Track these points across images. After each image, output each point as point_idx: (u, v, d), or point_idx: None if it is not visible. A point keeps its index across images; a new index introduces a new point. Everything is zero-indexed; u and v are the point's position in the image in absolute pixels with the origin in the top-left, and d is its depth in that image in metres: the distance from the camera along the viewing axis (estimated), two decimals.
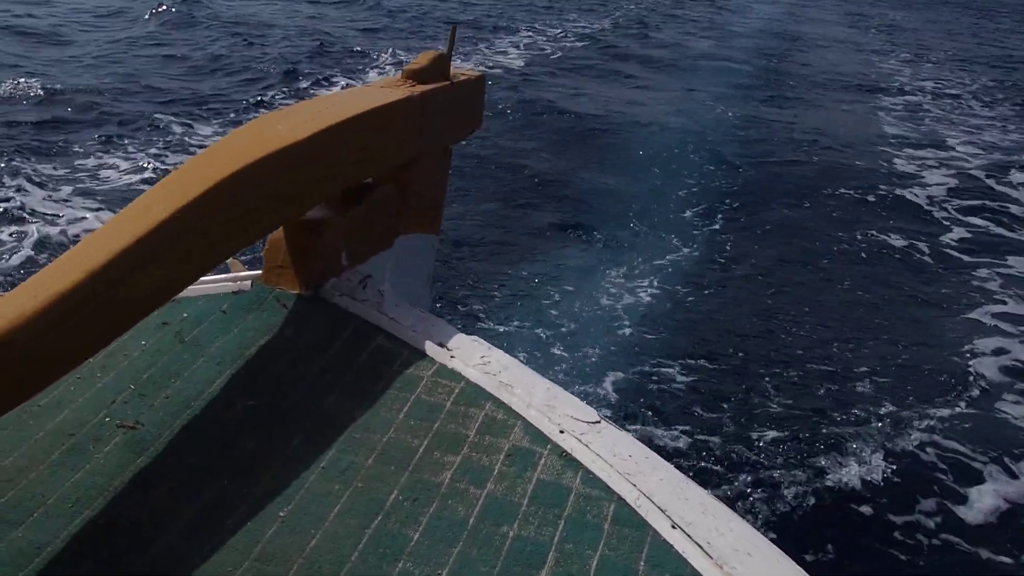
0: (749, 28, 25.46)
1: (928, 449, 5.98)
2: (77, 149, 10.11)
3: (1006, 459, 6.01)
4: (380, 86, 3.04)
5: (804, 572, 1.93)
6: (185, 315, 2.59)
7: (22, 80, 12.19)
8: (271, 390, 2.33)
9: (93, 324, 1.94)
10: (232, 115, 11.97)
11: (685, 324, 7.42)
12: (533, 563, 1.87)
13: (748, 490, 5.32)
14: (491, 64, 16.98)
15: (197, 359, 2.41)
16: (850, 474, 5.57)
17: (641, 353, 6.78)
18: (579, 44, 20.32)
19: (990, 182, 12.32)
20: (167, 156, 10.13)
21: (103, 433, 2.12)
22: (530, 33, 20.99)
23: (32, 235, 7.74)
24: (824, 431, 6.01)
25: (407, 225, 3.17)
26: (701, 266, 8.63)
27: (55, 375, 1.95)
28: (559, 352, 6.64)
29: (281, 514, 1.95)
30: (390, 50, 16.67)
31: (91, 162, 9.79)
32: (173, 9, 18.45)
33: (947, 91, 18.88)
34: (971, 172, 12.73)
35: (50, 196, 8.63)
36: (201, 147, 9.98)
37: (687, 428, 5.87)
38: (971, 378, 7.01)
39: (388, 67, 15.41)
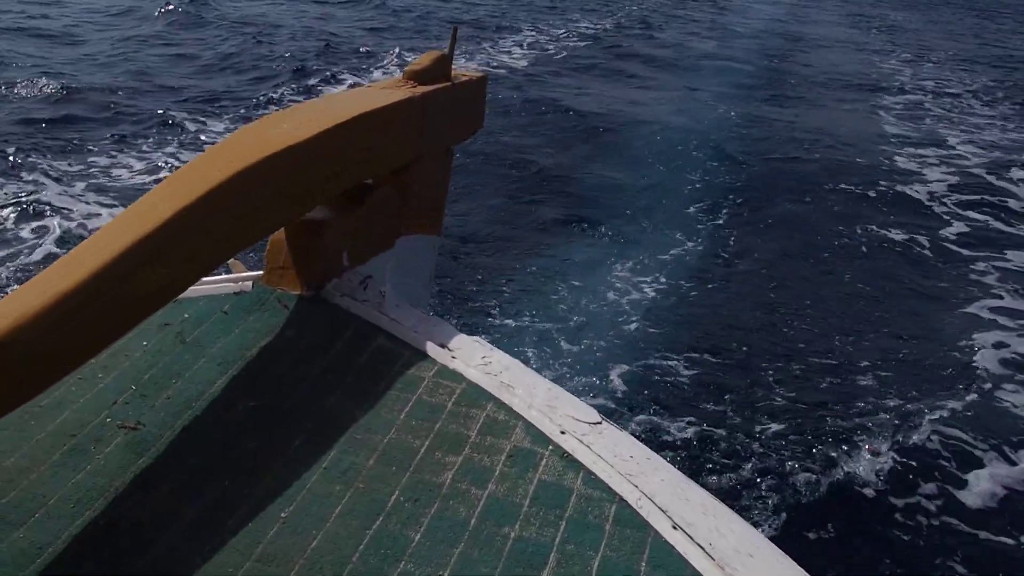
0: (751, 29, 25.41)
1: (930, 441, 5.99)
2: (92, 147, 10.15)
3: (1005, 448, 6.04)
4: (381, 87, 2.99)
5: (805, 573, 1.88)
6: (186, 316, 2.55)
7: (39, 80, 12.28)
8: (272, 391, 2.30)
9: (97, 323, 1.91)
10: (242, 111, 12.05)
11: (689, 318, 7.45)
12: (534, 564, 1.84)
13: (751, 484, 5.32)
14: (496, 64, 17.00)
15: (198, 360, 2.38)
16: (852, 469, 5.56)
17: (646, 346, 6.81)
18: (582, 44, 20.30)
19: (990, 179, 12.34)
20: (181, 153, 10.20)
21: (104, 434, 2.09)
22: (533, 33, 21.00)
23: (54, 231, 7.79)
24: (826, 425, 6.02)
25: (408, 226, 3.13)
26: (705, 260, 8.66)
27: (58, 375, 1.92)
28: (566, 346, 6.66)
29: (282, 515, 1.92)
30: (396, 50, 16.71)
31: (106, 159, 9.83)
32: (181, 9, 18.55)
33: (948, 90, 18.85)
34: (971, 170, 12.74)
35: (66, 192, 8.68)
36: (214, 143, 9.90)
37: (692, 420, 5.88)
38: (971, 370, 7.03)
39: (393, 67, 15.43)
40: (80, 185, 8.89)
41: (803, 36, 25.08)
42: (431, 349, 2.51)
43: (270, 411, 2.23)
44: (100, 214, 8.23)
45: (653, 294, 7.80)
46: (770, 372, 6.62)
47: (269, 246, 2.71)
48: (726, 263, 8.73)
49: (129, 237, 1.95)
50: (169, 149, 10.31)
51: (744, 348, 6.99)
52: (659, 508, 1.99)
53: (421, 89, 2.93)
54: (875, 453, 5.77)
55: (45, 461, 1.99)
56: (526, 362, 6.21)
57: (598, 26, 23.07)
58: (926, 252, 9.53)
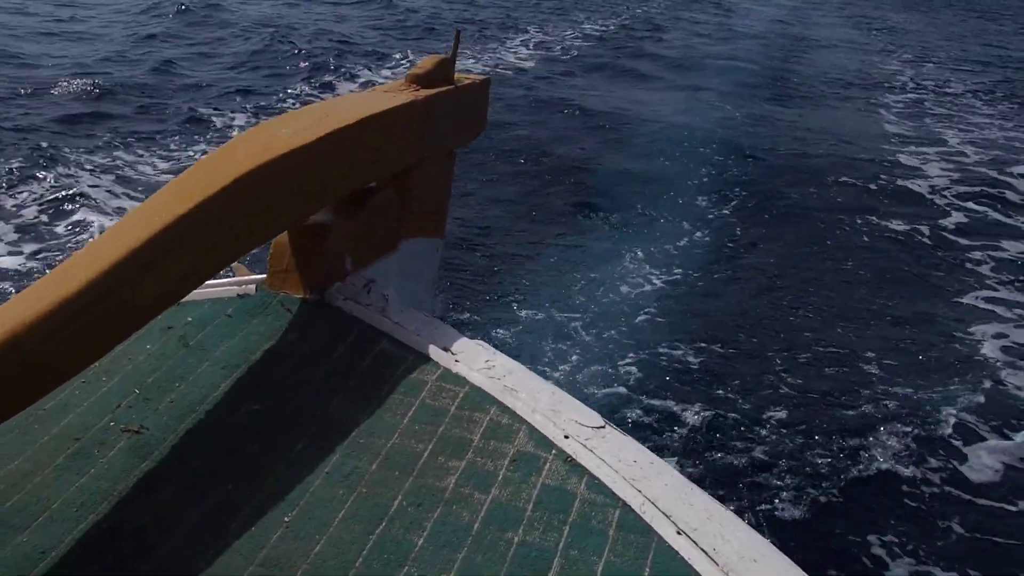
0: (755, 30, 25.31)
1: (935, 431, 6.00)
2: (120, 142, 10.24)
3: (1006, 430, 6.10)
4: (384, 90, 2.96)
5: None
6: (190, 319, 2.52)
7: (69, 78, 12.39)
8: (275, 394, 2.27)
9: (98, 328, 1.89)
10: (263, 103, 12.23)
11: (698, 307, 7.53)
12: (538, 569, 1.82)
13: (758, 475, 5.32)
14: (504, 64, 17.05)
15: (202, 363, 2.35)
16: (857, 460, 5.56)
17: (657, 336, 6.87)
18: (588, 44, 20.32)
19: (992, 174, 12.41)
20: (210, 149, 10.22)
21: (108, 437, 2.07)
22: (540, 34, 21.03)
23: (87, 226, 7.85)
24: (831, 413, 6.06)
25: (411, 229, 3.10)
26: (713, 251, 8.77)
27: (59, 380, 1.90)
28: (580, 336, 6.73)
29: (286, 519, 1.89)
30: (408, 51, 16.78)
31: (135, 155, 9.92)
32: (198, 10, 18.64)
33: (948, 90, 18.86)
34: (971, 166, 12.81)
35: (98, 186, 8.75)
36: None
37: (700, 406, 5.92)
38: (972, 357, 7.10)
39: (405, 65, 15.43)
40: (108, 178, 8.99)
41: (806, 37, 25.04)
42: (434, 353, 2.47)
43: (273, 415, 2.20)
44: (127, 208, 8.27)
45: (662, 284, 7.88)
46: (777, 361, 6.68)
47: (272, 250, 2.68)
48: (733, 253, 8.82)
49: (129, 242, 1.92)
50: (196, 141, 10.50)
51: (751, 337, 7.06)
52: (663, 513, 1.96)
53: (424, 92, 2.90)
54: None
55: (49, 465, 1.97)
56: (540, 354, 6.23)
57: (604, 27, 23.05)
58: (927, 243, 9.62)
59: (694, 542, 1.89)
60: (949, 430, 6.00)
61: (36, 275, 6.71)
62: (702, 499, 2.02)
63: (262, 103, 12.28)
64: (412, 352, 2.48)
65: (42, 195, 8.32)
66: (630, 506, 1.98)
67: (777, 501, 5.08)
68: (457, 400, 2.30)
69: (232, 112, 11.72)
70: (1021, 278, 8.83)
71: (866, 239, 9.50)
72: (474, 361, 2.43)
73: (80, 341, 1.84)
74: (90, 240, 7.31)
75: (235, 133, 10.75)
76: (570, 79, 16.27)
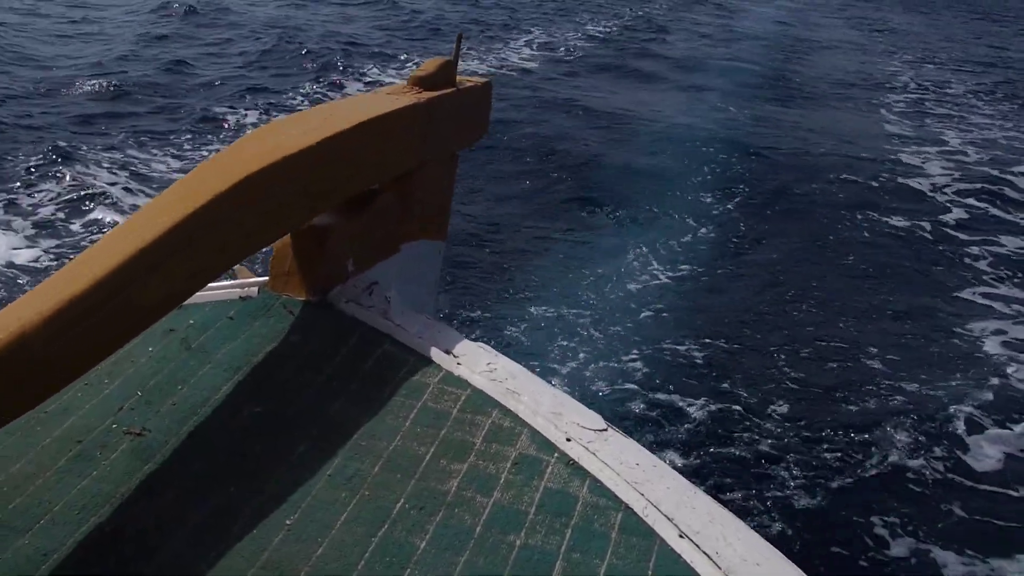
0: (757, 31, 25.25)
1: (936, 419, 6.04)
2: (134, 140, 10.29)
3: (1008, 421, 6.13)
4: (387, 93, 2.93)
5: None
6: (192, 321, 2.49)
7: (85, 78, 12.48)
8: (277, 397, 2.26)
9: (103, 330, 1.86)
10: (273, 101, 12.34)
11: (703, 303, 7.61)
12: (540, 572, 1.80)
13: (762, 470, 5.34)
14: (509, 65, 17.09)
15: (204, 366, 2.33)
16: (858, 457, 5.56)
17: (662, 331, 6.93)
18: (592, 45, 20.34)
19: (994, 173, 12.48)
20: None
21: (110, 440, 2.05)
22: (544, 35, 21.05)
23: (103, 223, 7.89)
24: (834, 407, 6.11)
25: (413, 231, 3.07)
26: (716, 247, 8.85)
27: (63, 382, 1.88)
28: (587, 332, 6.78)
29: (287, 522, 1.87)
30: (413, 52, 16.85)
31: (149, 153, 9.98)
32: (211, 11, 18.75)
33: (949, 91, 18.89)
34: (971, 165, 12.87)
35: (116, 183, 8.81)
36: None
37: (705, 401, 5.96)
38: (973, 350, 7.17)
39: (411, 66, 15.45)
40: (124, 176, 9.04)
41: (807, 39, 25.02)
42: (436, 355, 2.45)
43: (275, 417, 2.18)
44: (137, 206, 8.30)
45: (668, 280, 7.96)
46: (781, 356, 6.73)
47: (274, 252, 2.66)
48: (737, 249, 8.91)
49: (134, 244, 1.90)
50: (209, 139, 10.60)
51: (755, 332, 7.12)
52: (665, 516, 1.94)
53: (426, 95, 2.87)
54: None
55: (51, 467, 1.95)
56: (548, 349, 6.26)
57: (607, 28, 23.06)
58: (928, 239, 9.71)
59: (696, 545, 1.87)
60: (951, 421, 6.03)
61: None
62: (705, 502, 2.01)
63: (272, 100, 12.41)
64: (414, 355, 2.46)
65: (59, 193, 8.39)
66: (632, 509, 1.96)
67: (781, 494, 5.09)
68: (459, 403, 2.28)
69: (244, 110, 11.85)
70: (1020, 274, 8.92)
71: (867, 235, 9.58)
72: (476, 364, 2.41)
73: (88, 341, 1.82)
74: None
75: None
76: (574, 79, 16.31)
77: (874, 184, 11.27)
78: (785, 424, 5.77)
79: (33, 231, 7.58)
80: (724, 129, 13.44)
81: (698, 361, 6.50)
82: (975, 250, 9.46)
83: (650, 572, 1.80)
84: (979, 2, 38.53)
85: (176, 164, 9.64)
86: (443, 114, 2.95)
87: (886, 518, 5.05)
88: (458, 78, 3.07)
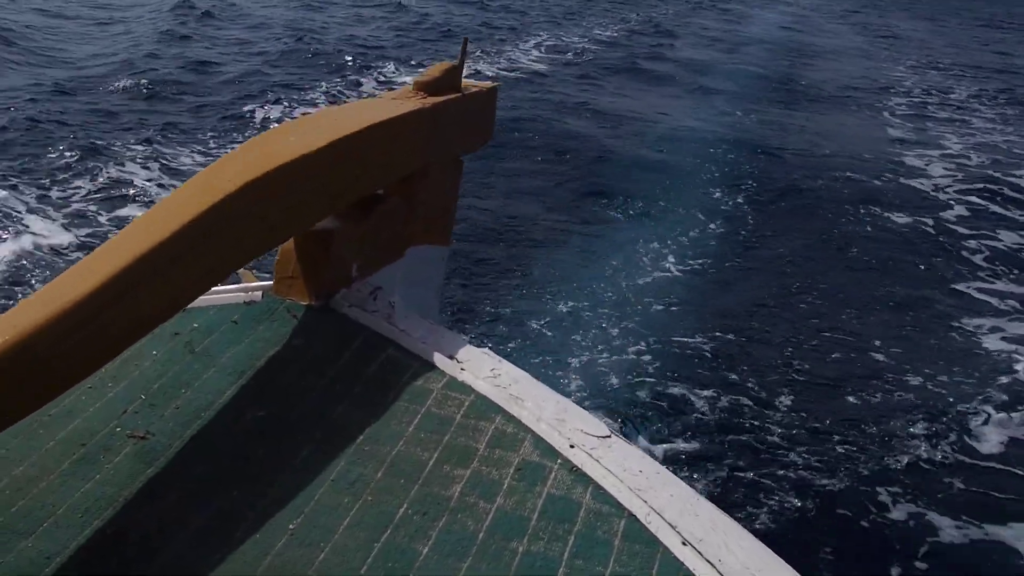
0: (763, 36, 25.17)
1: (938, 412, 6.07)
2: (165, 137, 10.38)
3: (1009, 411, 6.20)
4: (392, 97, 2.90)
5: None
6: (196, 325, 2.47)
7: (120, 77, 12.61)
8: (281, 401, 2.23)
9: (106, 334, 1.84)
10: (295, 97, 12.52)
11: (712, 296, 7.72)
12: None
13: (769, 464, 5.38)
14: (519, 67, 17.16)
15: (208, 369, 2.30)
16: (861, 450, 5.59)
17: (672, 324, 7.02)
18: (600, 48, 20.39)
19: (996, 175, 12.57)
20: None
21: (113, 443, 2.03)
22: (553, 39, 21.10)
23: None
24: (839, 397, 6.18)
25: (418, 236, 3.03)
26: (727, 243, 8.97)
27: (66, 385, 1.85)
28: (596, 325, 6.86)
29: (291, 526, 1.85)
30: (426, 54, 16.93)
31: (178, 149, 10.07)
32: (229, 14, 18.89)
33: (952, 96, 18.87)
34: (973, 168, 12.98)
35: (150, 180, 8.90)
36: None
37: (714, 393, 6.03)
38: (973, 341, 7.26)
39: (428, 63, 15.47)
40: (153, 173, 9.13)
41: (813, 44, 24.92)
42: (440, 361, 2.42)
43: (279, 421, 2.16)
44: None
45: (679, 274, 8.08)
46: (788, 349, 6.82)
47: (279, 256, 2.64)
48: (748, 243, 9.05)
49: (136, 250, 1.87)
50: (234, 135, 10.71)
51: (762, 325, 7.23)
52: (668, 524, 1.91)
53: (431, 100, 2.83)
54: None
55: (54, 470, 1.93)
56: (559, 342, 6.31)
57: (615, 33, 23.08)
58: (930, 236, 9.84)
59: (699, 552, 1.84)
60: (954, 411, 6.10)
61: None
62: (708, 510, 1.98)
63: (294, 96, 12.61)
64: (418, 360, 2.43)
65: (91, 188, 8.49)
66: (635, 516, 1.93)
67: (787, 484, 5.13)
68: (463, 408, 2.25)
69: (267, 106, 12.03)
70: (1017, 271, 9.10)
71: (870, 230, 9.73)
72: (480, 369, 2.38)
73: (93, 343, 1.80)
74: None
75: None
76: (584, 81, 16.41)
77: (878, 183, 11.40)
78: (791, 414, 5.84)
79: (67, 221, 7.67)
80: (732, 130, 13.54)
81: (707, 354, 6.58)
82: (974, 244, 9.63)
83: None
84: (984, 10, 38.25)
85: (202, 160, 9.75)
86: (448, 119, 2.92)
87: (889, 510, 5.09)
88: (464, 83, 3.02)
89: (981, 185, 11.74)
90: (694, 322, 7.04)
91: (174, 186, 8.62)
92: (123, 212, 8.02)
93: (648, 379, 6.06)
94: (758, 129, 13.91)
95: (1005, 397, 6.35)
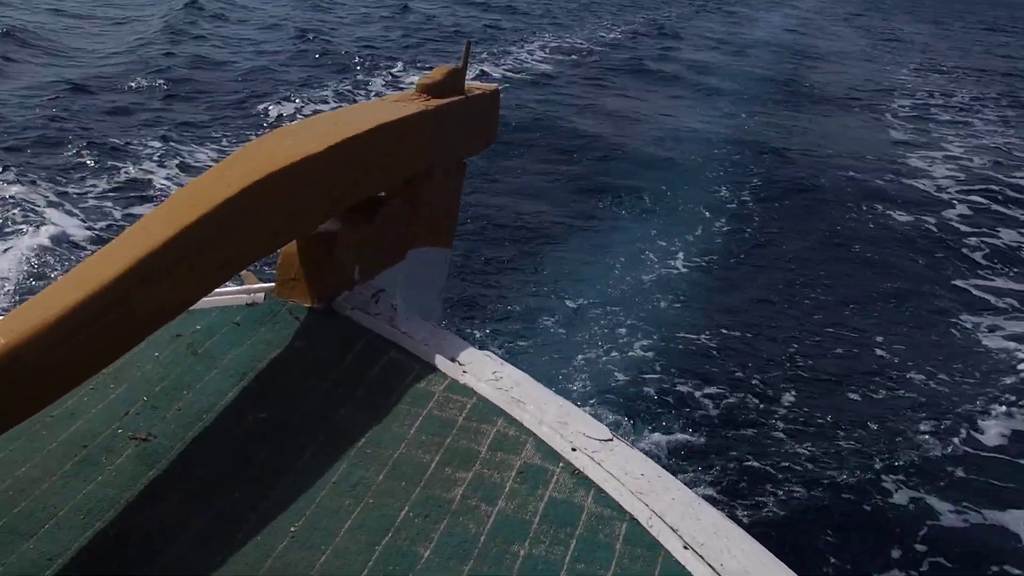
0: (767, 39, 25.10)
1: (940, 408, 6.08)
2: (179, 133, 10.45)
3: (1010, 405, 6.25)
4: (395, 100, 2.87)
5: None
6: (198, 327, 2.44)
7: (134, 76, 12.72)
8: (283, 403, 2.20)
9: (106, 337, 1.81)
10: (306, 95, 12.60)
11: (717, 293, 7.76)
12: None
13: (772, 459, 5.38)
14: (525, 68, 17.22)
15: (210, 371, 2.28)
16: (864, 445, 5.59)
17: (677, 320, 7.04)
18: (605, 50, 20.46)
19: (998, 175, 12.63)
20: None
21: (115, 444, 2.00)
22: (558, 40, 21.15)
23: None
24: (841, 393, 6.20)
25: (420, 238, 3.01)
26: (731, 240, 9.02)
27: (66, 388, 1.83)
28: (603, 322, 6.87)
29: (292, 529, 1.82)
30: (433, 55, 17.00)
31: (193, 146, 10.10)
32: (236, 13, 18.97)
33: (955, 98, 18.91)
34: (975, 168, 13.03)
35: (169, 178, 8.94)
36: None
37: (717, 389, 6.05)
38: (973, 338, 7.31)
39: (437, 63, 15.50)
40: (170, 170, 9.16)
41: (817, 47, 24.85)
42: (442, 363, 2.39)
43: (280, 423, 2.13)
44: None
45: (685, 270, 8.11)
46: (792, 345, 6.84)
47: (281, 258, 2.61)
48: (750, 241, 9.08)
49: (137, 252, 1.85)
50: (248, 131, 10.80)
51: (767, 321, 7.26)
52: (670, 527, 1.88)
53: (434, 102, 2.81)
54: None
55: (56, 471, 1.90)
56: (566, 340, 6.33)
57: (619, 35, 23.11)
58: (932, 234, 9.90)
59: (701, 557, 1.81)
60: (958, 408, 6.09)
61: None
62: (710, 513, 1.95)
63: (305, 95, 12.68)
64: (420, 362, 2.40)
65: (107, 187, 8.53)
66: (637, 520, 1.90)
67: (791, 478, 5.15)
68: (464, 411, 2.22)
69: (283, 102, 12.12)
70: (1016, 268, 9.18)
71: (872, 227, 9.81)
72: (482, 372, 2.35)
73: (91, 346, 1.78)
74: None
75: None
76: (589, 82, 16.47)
77: (880, 183, 11.44)
78: (794, 410, 5.85)
79: (85, 217, 7.70)
80: (737, 131, 13.57)
81: (712, 350, 6.59)
82: (975, 242, 9.71)
83: None
84: (988, 13, 38.08)
85: (217, 157, 9.80)
86: (451, 121, 2.89)
87: (892, 496, 5.12)
88: (467, 85, 2.99)
89: (982, 186, 11.78)
90: (700, 319, 7.08)
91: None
92: (140, 209, 8.03)
93: (654, 375, 6.08)
94: (763, 130, 13.94)
95: (1006, 391, 6.37)
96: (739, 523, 2.14)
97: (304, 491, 1.90)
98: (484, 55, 17.07)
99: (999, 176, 12.44)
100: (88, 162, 8.95)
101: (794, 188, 10.86)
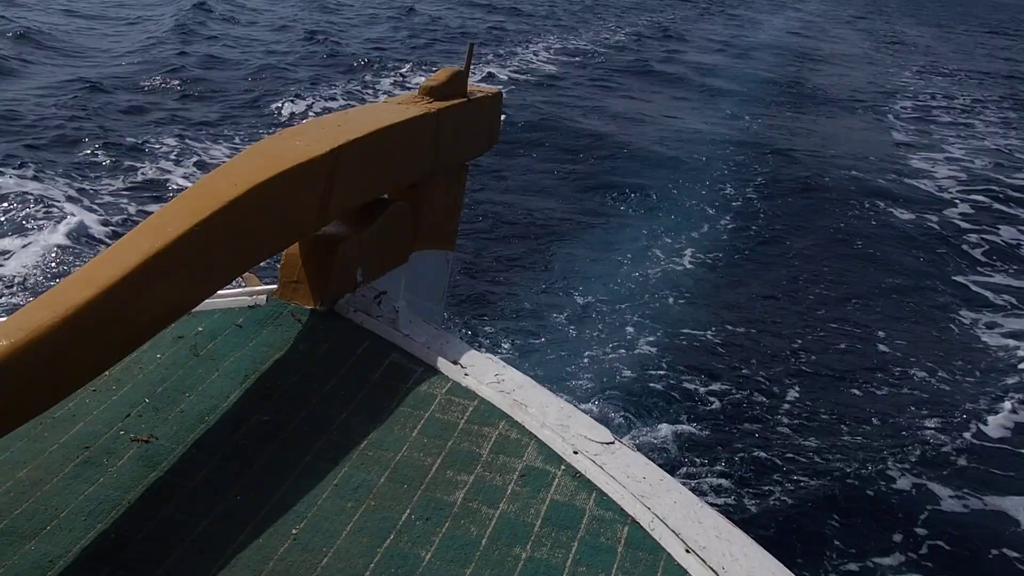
0: (770, 42, 25.00)
1: (942, 406, 6.07)
2: (194, 131, 10.49)
3: (1009, 398, 6.27)
4: (398, 102, 2.84)
5: None
6: (200, 329, 2.41)
7: (148, 75, 12.82)
8: (285, 405, 2.18)
9: (110, 338, 1.78)
10: (319, 94, 12.71)
11: (722, 289, 7.78)
12: None
13: (772, 456, 5.37)
14: (530, 69, 17.26)
15: (212, 373, 2.25)
16: (866, 442, 5.58)
17: (683, 316, 7.06)
18: (610, 52, 20.50)
19: (998, 176, 12.65)
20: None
21: (117, 446, 1.97)
22: (562, 42, 21.22)
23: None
24: (844, 388, 6.21)
25: (422, 241, 2.97)
26: (736, 238, 9.04)
27: (69, 389, 1.80)
28: (608, 319, 6.89)
29: (293, 531, 1.79)
30: (438, 57, 17.03)
31: (206, 144, 10.15)
32: (243, 15, 19.07)
33: (957, 100, 18.82)
34: (976, 169, 13.05)
35: (188, 176, 8.98)
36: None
37: (721, 385, 6.05)
38: (974, 334, 7.33)
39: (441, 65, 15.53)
40: (186, 168, 9.19)
41: (820, 49, 24.71)
42: (444, 366, 2.36)
43: (282, 426, 2.10)
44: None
45: (691, 267, 8.14)
46: (796, 341, 6.85)
47: (283, 260, 2.58)
48: (755, 238, 9.10)
49: (142, 253, 1.82)
50: (262, 128, 10.87)
51: (772, 317, 7.27)
52: (672, 531, 1.84)
53: (437, 105, 2.77)
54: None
55: (58, 473, 1.88)
56: (573, 336, 6.29)
57: (623, 37, 23.08)
58: (933, 233, 9.93)
59: (703, 560, 1.77)
60: (960, 404, 6.08)
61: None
62: (712, 517, 1.91)
63: (316, 93, 12.75)
64: (422, 365, 2.37)
65: (124, 185, 8.56)
66: (639, 523, 1.87)
67: (793, 474, 5.15)
68: (466, 414, 2.19)
69: (296, 100, 12.18)
70: (1015, 265, 9.23)
71: (874, 224, 9.85)
72: (483, 375, 2.32)
73: (94, 348, 1.75)
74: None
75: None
76: (595, 83, 16.51)
77: (883, 183, 11.47)
78: (799, 404, 5.87)
79: (102, 213, 7.72)
80: (741, 131, 13.59)
81: (718, 346, 6.59)
82: (975, 239, 9.76)
83: None
84: (990, 16, 37.87)
85: (232, 154, 9.83)
86: (454, 123, 2.86)
87: (895, 483, 5.13)
88: (470, 87, 2.95)
89: (983, 186, 11.80)
90: (705, 315, 7.10)
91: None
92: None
93: (660, 371, 6.09)
94: (767, 131, 13.97)
95: (1006, 385, 6.40)
96: (744, 522, 2.10)
97: (306, 493, 1.88)
98: (490, 56, 17.06)
99: (1000, 177, 12.44)
100: (105, 160, 8.99)
101: (798, 187, 10.89)
